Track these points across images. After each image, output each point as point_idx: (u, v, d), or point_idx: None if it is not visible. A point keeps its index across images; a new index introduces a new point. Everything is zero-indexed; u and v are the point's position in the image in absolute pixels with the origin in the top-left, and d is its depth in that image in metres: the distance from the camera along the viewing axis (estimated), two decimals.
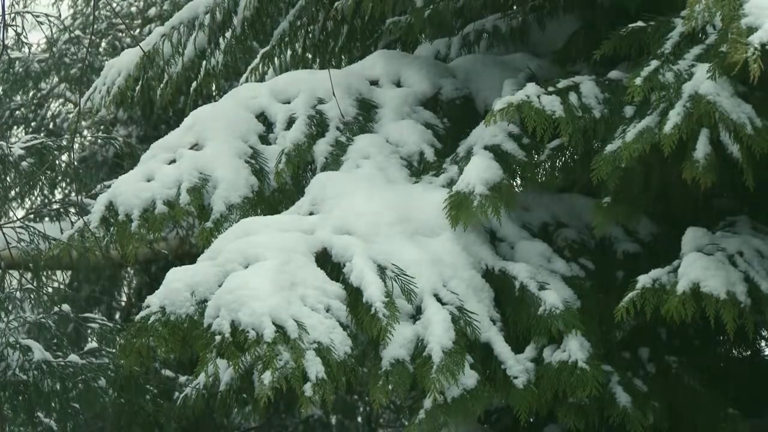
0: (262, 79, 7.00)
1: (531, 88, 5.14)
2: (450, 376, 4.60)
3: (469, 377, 4.72)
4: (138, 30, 11.13)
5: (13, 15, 9.16)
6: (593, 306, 5.07)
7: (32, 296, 7.80)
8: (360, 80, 5.97)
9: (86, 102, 6.72)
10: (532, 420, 5.36)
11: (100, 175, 10.70)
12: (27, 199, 9.76)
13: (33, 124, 11.59)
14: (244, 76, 7.22)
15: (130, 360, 4.74)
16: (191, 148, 5.61)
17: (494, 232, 5.24)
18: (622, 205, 5.07)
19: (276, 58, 7.00)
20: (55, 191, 10.30)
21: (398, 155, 5.55)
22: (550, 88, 5.18)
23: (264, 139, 5.72)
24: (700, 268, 4.68)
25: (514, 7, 6.53)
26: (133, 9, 11.73)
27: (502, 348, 4.87)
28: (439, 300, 4.84)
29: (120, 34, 11.33)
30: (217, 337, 4.50)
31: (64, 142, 9.32)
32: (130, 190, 5.44)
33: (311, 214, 5.18)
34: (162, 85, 6.70)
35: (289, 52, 7.01)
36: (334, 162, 5.54)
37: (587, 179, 4.91)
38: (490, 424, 6.14)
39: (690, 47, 4.94)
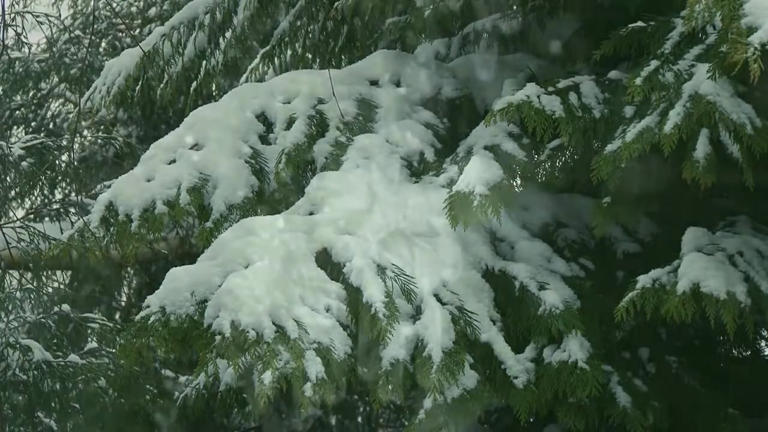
0: (262, 79, 6.99)
1: (531, 88, 5.14)
2: (450, 376, 4.60)
3: (469, 377, 4.73)
4: (138, 30, 11.12)
5: (13, 15, 9.16)
6: (593, 306, 5.07)
7: (32, 296, 7.79)
8: (360, 80, 5.97)
9: (86, 102, 6.72)
10: (532, 420, 5.37)
11: (100, 175, 10.69)
12: (27, 199, 9.75)
13: (33, 124, 11.57)
14: (244, 76, 7.22)
15: (130, 360, 4.75)
16: (191, 148, 5.61)
17: (494, 232, 5.24)
18: (622, 205, 5.07)
19: (276, 58, 7.00)
20: (55, 191, 10.29)
21: (398, 155, 5.55)
22: (550, 88, 5.18)
23: (264, 139, 5.72)
24: (700, 268, 4.68)
25: (514, 7, 6.54)
26: (133, 9, 11.72)
27: (502, 348, 4.87)
28: (439, 300, 4.84)
29: (120, 34, 11.32)
30: (217, 337, 4.50)
31: (64, 142, 9.32)
32: (130, 190, 5.44)
33: (311, 214, 5.18)
34: (162, 85, 6.70)
35: (289, 52, 7.01)
36: (334, 162, 5.54)
37: (587, 179, 4.91)
38: (490, 424, 6.14)
39: (690, 47, 4.94)
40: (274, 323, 4.50)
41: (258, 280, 4.64)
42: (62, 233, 6.80)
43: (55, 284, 9.74)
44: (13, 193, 9.13)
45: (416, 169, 5.52)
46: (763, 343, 6.12)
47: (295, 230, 5.00)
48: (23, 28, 9.35)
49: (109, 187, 5.86)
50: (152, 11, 11.44)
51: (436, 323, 4.72)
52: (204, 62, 6.75)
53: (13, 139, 10.25)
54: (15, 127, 11.68)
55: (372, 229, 5.00)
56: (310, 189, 5.31)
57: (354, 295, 4.73)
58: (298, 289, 4.66)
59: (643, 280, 4.78)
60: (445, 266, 4.95)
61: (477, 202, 4.90)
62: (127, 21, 11.40)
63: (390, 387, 4.61)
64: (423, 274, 4.87)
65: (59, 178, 9.75)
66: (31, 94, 11.62)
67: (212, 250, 4.95)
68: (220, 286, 4.67)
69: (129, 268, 10.98)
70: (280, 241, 4.89)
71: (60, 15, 11.16)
